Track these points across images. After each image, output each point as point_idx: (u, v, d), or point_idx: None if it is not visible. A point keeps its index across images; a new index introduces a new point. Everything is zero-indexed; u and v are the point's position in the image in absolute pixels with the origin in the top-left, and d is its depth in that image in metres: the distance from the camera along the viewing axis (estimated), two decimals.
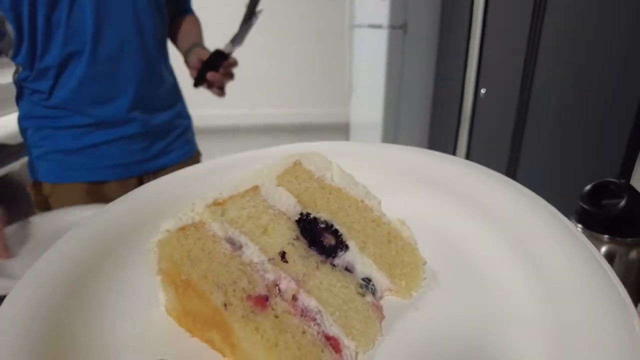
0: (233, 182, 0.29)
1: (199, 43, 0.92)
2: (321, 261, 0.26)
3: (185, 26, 0.97)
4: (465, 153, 1.63)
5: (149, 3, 0.81)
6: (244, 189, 0.28)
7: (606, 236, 0.38)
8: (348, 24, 2.57)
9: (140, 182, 0.92)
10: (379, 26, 1.97)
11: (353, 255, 0.27)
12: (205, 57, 0.83)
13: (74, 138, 0.83)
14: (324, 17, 4.06)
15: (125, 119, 0.85)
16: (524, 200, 0.31)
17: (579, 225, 0.40)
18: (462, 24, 1.58)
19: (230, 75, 0.84)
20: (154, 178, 0.92)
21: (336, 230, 0.27)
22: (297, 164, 0.31)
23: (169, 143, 0.94)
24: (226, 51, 0.80)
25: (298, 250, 0.26)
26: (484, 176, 0.36)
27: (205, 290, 0.24)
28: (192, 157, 1.01)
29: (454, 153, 1.71)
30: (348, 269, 0.26)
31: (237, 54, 0.88)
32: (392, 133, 2.11)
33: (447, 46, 1.80)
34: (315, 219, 0.27)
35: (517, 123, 1.24)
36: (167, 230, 0.25)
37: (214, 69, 0.81)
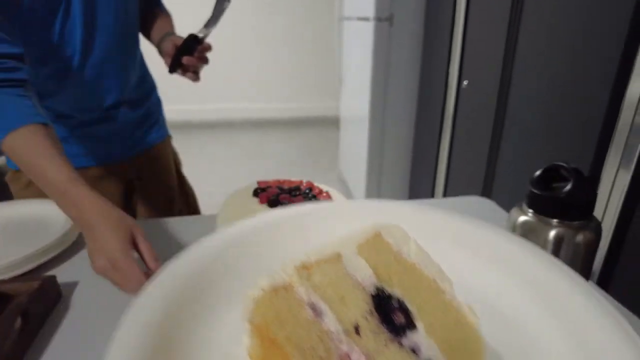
0: (319, 242, 0.30)
1: (171, 32, 0.94)
2: (390, 339, 0.27)
3: (158, 19, 0.98)
4: (449, 143, 1.69)
5: (134, 6, 0.83)
6: (328, 255, 0.30)
7: (555, 220, 0.40)
8: (337, 17, 2.60)
9: (124, 167, 0.95)
10: (367, 19, 2.01)
11: (420, 336, 0.28)
12: (179, 42, 0.84)
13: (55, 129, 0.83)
14: (315, 10, 4.05)
15: (108, 117, 0.87)
16: (593, 302, 0.31)
17: (530, 210, 0.42)
18: (446, 17, 1.63)
19: (204, 60, 0.85)
20: (135, 162, 0.96)
21: (407, 309, 0.29)
22: (377, 235, 0.32)
23: (146, 129, 0.99)
24: (200, 35, 0.81)
25: (371, 325, 0.28)
26: (547, 262, 0.35)
27: (288, 352, 0.26)
28: (164, 140, 1.05)
29: (438, 143, 1.78)
30: (414, 350, 0.28)
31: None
32: (380, 125, 2.15)
33: (432, 39, 1.84)
34: (389, 295, 0.29)
35: (498, 114, 1.30)
36: (262, 289, 0.27)
37: (189, 54, 0.81)
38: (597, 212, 0.88)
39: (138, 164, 0.97)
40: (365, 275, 0.29)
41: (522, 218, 0.42)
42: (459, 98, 1.59)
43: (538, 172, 0.42)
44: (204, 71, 0.88)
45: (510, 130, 1.27)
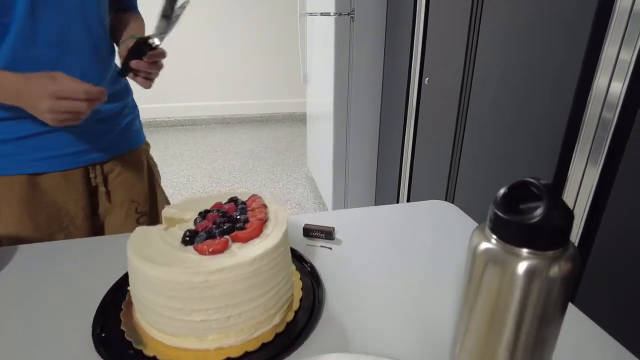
0: None
1: (135, 36, 0.87)
2: None
3: (128, 21, 0.93)
4: (412, 139, 1.67)
5: None
6: None
7: (525, 250, 0.33)
8: (300, 12, 2.55)
9: (86, 173, 0.88)
10: (328, 14, 1.97)
11: None
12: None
13: (5, 127, 0.77)
14: (280, 5, 3.99)
15: None
16: None
17: (493, 236, 0.35)
18: (407, 13, 1.59)
19: (157, 65, 0.80)
20: (101, 169, 0.88)
21: None
22: None
23: (118, 133, 0.91)
24: (153, 41, 0.77)
25: None
26: None
27: None
28: (140, 146, 0.98)
29: (402, 140, 1.75)
30: None
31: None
32: (344, 121, 2.12)
33: (394, 35, 1.82)
34: None
35: (460, 111, 1.28)
36: None
37: (139, 58, 0.77)
38: None
39: (105, 170, 0.90)
40: None
41: (485, 246, 0.35)
42: (421, 95, 1.55)
43: (503, 190, 0.35)
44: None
45: (472, 126, 1.25)
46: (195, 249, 0.46)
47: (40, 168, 0.81)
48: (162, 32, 0.77)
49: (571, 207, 0.85)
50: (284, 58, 4.17)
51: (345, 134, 2.17)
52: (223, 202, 0.56)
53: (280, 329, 0.51)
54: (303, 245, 0.69)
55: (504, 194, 0.35)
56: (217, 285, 0.45)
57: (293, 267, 0.61)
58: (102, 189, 0.90)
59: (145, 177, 0.99)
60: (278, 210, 0.55)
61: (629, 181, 0.75)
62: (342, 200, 2.34)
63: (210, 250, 0.46)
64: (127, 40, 0.82)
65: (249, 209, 0.54)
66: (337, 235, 0.73)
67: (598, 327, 0.53)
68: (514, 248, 0.33)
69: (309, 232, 0.72)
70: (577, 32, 0.83)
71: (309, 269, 0.62)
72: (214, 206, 0.55)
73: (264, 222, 0.51)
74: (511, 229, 0.33)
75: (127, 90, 0.96)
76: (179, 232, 0.50)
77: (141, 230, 0.53)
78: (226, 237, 0.48)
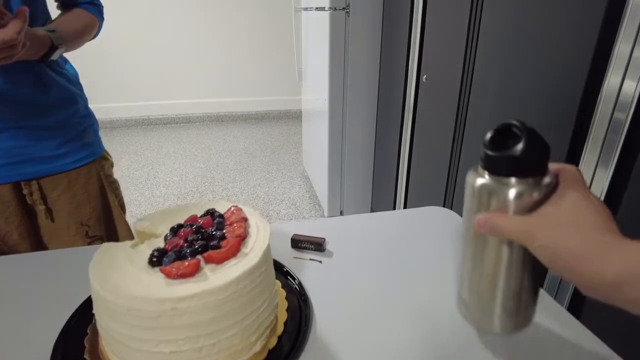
0: None
1: (52, 30, 0.75)
2: None
3: (65, 15, 0.83)
4: (409, 137, 1.62)
5: None
6: None
7: (513, 179, 0.39)
8: (294, 7, 2.50)
9: (17, 189, 0.78)
10: (323, 8, 1.91)
11: None
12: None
13: None
14: (275, 1, 3.91)
15: None
16: None
17: (486, 172, 0.40)
18: (404, 9, 1.54)
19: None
20: (38, 185, 0.79)
21: None
22: None
23: (56, 145, 0.81)
24: None
25: None
26: None
27: None
28: (92, 161, 0.87)
29: (399, 138, 1.70)
30: None
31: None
32: (340, 119, 2.06)
33: (390, 31, 1.76)
34: None
35: (459, 111, 1.23)
36: None
37: None
38: None
39: (44, 187, 0.81)
40: None
41: (480, 181, 0.41)
42: (418, 93, 1.50)
43: (490, 134, 0.41)
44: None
45: (472, 127, 1.19)
46: (162, 272, 0.41)
47: None
48: None
49: None
50: (279, 54, 4.11)
51: (341, 132, 2.11)
52: (199, 215, 0.51)
53: (262, 357, 0.46)
54: (290, 258, 0.64)
55: (491, 137, 0.41)
56: (186, 314, 0.39)
57: (278, 284, 0.56)
58: (40, 207, 0.81)
59: (97, 196, 0.88)
60: (260, 224, 0.50)
61: None
62: (338, 200, 2.29)
63: (178, 273, 0.40)
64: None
65: (227, 223, 0.49)
66: (328, 247, 0.67)
67: (605, 345, 0.48)
68: (503, 178, 0.39)
69: (298, 243, 0.66)
70: (586, 27, 0.78)
71: (296, 286, 0.57)
72: (188, 219, 0.50)
73: (242, 238, 0.46)
74: (499, 163, 0.39)
75: (74, 98, 0.85)
76: (147, 250, 0.45)
77: (107, 248, 0.47)
78: (198, 257, 0.42)
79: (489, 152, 0.40)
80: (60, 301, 0.53)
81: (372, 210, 2.25)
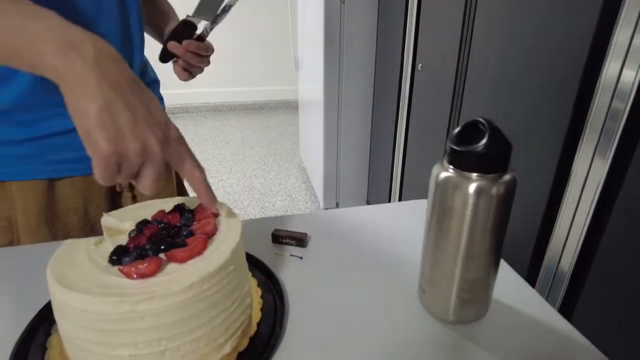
0: None
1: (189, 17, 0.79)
2: None
3: (162, 6, 0.86)
4: (405, 126, 1.59)
5: None
6: None
7: (474, 174, 0.41)
8: None
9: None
10: None
11: None
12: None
13: (19, 126, 0.66)
14: None
15: None
16: None
17: (450, 166, 0.42)
18: (400, 1, 1.51)
19: (200, 58, 0.73)
20: None
21: None
22: None
23: None
24: (196, 21, 0.71)
25: None
26: None
27: None
28: None
29: (395, 127, 1.68)
30: None
31: None
32: (335, 108, 2.03)
33: (386, 18, 1.72)
34: None
35: (454, 100, 1.20)
36: None
37: (178, 41, 0.71)
38: (568, 208, 0.79)
39: None
40: None
41: (443, 174, 0.43)
42: (414, 82, 1.46)
43: (457, 129, 0.43)
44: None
45: (467, 116, 1.16)
46: (121, 272, 0.39)
47: (62, 172, 0.72)
48: (213, 20, 0.71)
49: (575, 204, 0.77)
50: (277, 43, 4.05)
51: (337, 123, 2.08)
52: (167, 210, 0.48)
53: (231, 359, 0.44)
54: (271, 254, 0.62)
55: (458, 132, 0.42)
56: (146, 316, 0.37)
57: (254, 282, 0.53)
58: (127, 195, 0.81)
59: (173, 178, 0.89)
60: (232, 221, 0.47)
61: None
62: (334, 192, 2.27)
63: (138, 273, 0.38)
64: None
65: (197, 219, 0.46)
66: (311, 242, 0.65)
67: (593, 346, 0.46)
68: (465, 173, 0.41)
69: (279, 238, 0.64)
70: (584, 13, 0.75)
71: (273, 284, 0.54)
72: (155, 215, 0.47)
73: (210, 236, 0.43)
74: (463, 158, 0.41)
75: (156, 82, 0.87)
76: (110, 248, 0.43)
77: (69, 244, 0.45)
78: (161, 256, 0.40)
79: (454, 147, 0.42)
80: (30, 298, 0.51)
81: (368, 202, 2.23)
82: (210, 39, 0.76)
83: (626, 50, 0.68)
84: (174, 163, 0.42)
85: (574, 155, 0.79)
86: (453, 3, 1.16)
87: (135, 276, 0.38)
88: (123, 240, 0.44)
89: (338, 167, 2.20)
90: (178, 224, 0.45)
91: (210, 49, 0.74)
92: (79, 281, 0.38)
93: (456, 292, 0.47)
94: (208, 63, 0.76)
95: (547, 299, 0.87)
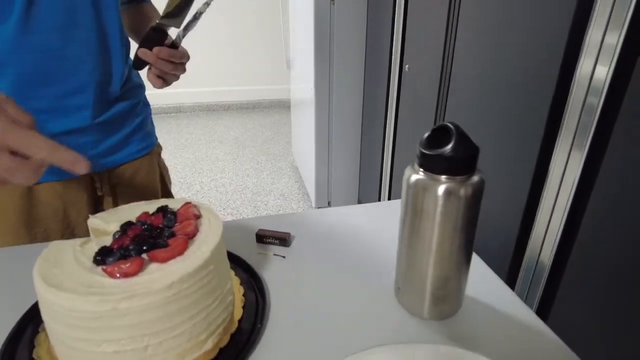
0: None
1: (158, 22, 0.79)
2: None
3: (147, 13, 0.86)
4: (393, 126, 1.62)
5: None
6: None
7: (443, 176, 0.43)
8: None
9: (92, 182, 0.79)
10: None
11: None
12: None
13: None
14: None
15: (73, 106, 0.71)
16: None
17: (420, 169, 0.44)
18: (388, 2, 1.52)
19: (174, 65, 0.71)
20: (108, 177, 0.79)
21: None
22: None
23: (125, 136, 0.81)
24: (166, 27, 0.70)
25: None
26: None
27: None
28: (150, 152, 0.88)
29: (384, 127, 1.70)
30: None
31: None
32: (326, 108, 2.06)
33: (375, 20, 1.74)
34: None
35: (439, 99, 1.23)
36: None
37: (149, 48, 0.69)
38: (549, 197, 0.81)
39: (112, 178, 0.81)
40: None
41: (414, 177, 0.45)
42: (401, 82, 1.48)
43: (427, 134, 0.45)
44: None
45: (452, 114, 1.19)
46: (105, 272, 0.40)
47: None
48: (185, 27, 0.70)
49: (555, 194, 0.80)
50: (270, 43, 4.06)
51: (328, 122, 2.10)
52: (151, 212, 0.50)
53: (213, 355, 0.45)
54: (255, 254, 0.63)
55: (428, 136, 0.45)
56: (128, 314, 0.39)
57: (237, 281, 0.55)
58: (108, 199, 0.82)
59: (157, 184, 0.90)
60: (213, 222, 0.49)
61: (616, 165, 0.70)
62: (326, 191, 2.29)
63: (120, 272, 0.40)
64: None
65: (179, 220, 0.48)
66: (294, 242, 0.67)
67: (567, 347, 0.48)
68: (435, 175, 0.43)
69: (263, 238, 0.66)
70: (559, 15, 0.77)
71: (255, 283, 0.56)
72: (139, 217, 0.49)
73: (191, 237, 0.45)
74: (432, 161, 0.43)
75: (141, 87, 0.86)
76: (95, 249, 0.44)
77: (56, 245, 0.46)
78: (143, 256, 0.42)
79: (423, 151, 0.44)
80: (17, 298, 0.53)
81: (360, 201, 2.25)
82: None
83: (598, 48, 0.70)
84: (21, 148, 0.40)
85: (552, 151, 0.81)
86: (437, 7, 1.18)
87: (118, 275, 0.40)
88: (108, 241, 0.46)
89: (329, 166, 2.22)
90: (160, 225, 0.47)
91: (185, 56, 0.72)
92: (65, 281, 0.40)
93: (429, 289, 0.49)
94: (184, 70, 0.75)
95: (525, 299, 0.89)
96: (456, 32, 1.11)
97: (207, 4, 0.68)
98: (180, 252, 0.43)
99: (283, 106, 4.40)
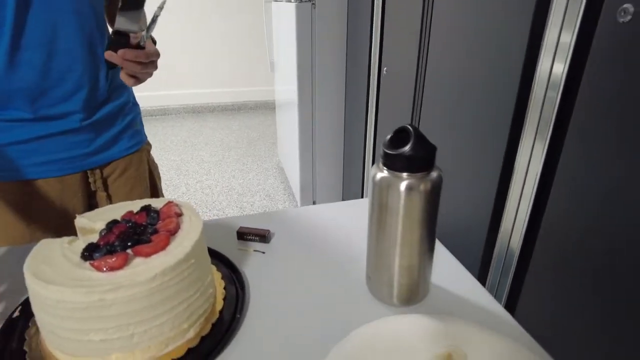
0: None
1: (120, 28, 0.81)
2: None
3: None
4: (374, 127, 1.67)
5: None
6: None
7: (404, 173, 0.47)
8: None
9: (85, 177, 0.83)
10: (290, 0, 1.94)
11: None
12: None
13: (0, 132, 0.73)
14: None
15: (64, 112, 0.76)
16: None
17: (384, 167, 0.48)
18: (366, 4, 1.57)
19: (142, 65, 0.72)
20: (101, 173, 0.84)
21: None
22: (449, 356, 0.45)
23: (115, 134, 0.86)
24: (122, 29, 0.70)
25: None
26: None
27: None
28: (140, 149, 0.93)
29: (365, 128, 1.75)
30: None
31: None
32: (309, 109, 2.10)
33: (355, 25, 1.79)
34: None
35: (415, 99, 1.28)
36: None
37: (114, 50, 0.70)
38: (516, 188, 0.86)
39: (105, 173, 0.86)
40: None
41: (379, 175, 0.49)
42: (380, 84, 1.53)
43: (389, 136, 0.49)
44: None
45: (427, 113, 1.23)
46: (92, 266, 0.43)
47: (36, 174, 0.77)
48: (141, 29, 0.72)
49: (522, 180, 0.85)
50: (255, 45, 4.08)
51: (311, 123, 2.14)
52: (135, 211, 0.53)
53: (195, 343, 0.49)
54: (235, 250, 0.67)
55: (390, 138, 0.49)
56: (114, 304, 0.42)
57: (218, 275, 0.59)
58: (101, 194, 0.86)
59: (146, 179, 0.95)
60: (193, 219, 0.52)
61: (575, 153, 0.75)
62: (310, 190, 2.32)
63: (107, 267, 0.43)
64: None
65: (162, 218, 0.51)
66: (274, 238, 0.71)
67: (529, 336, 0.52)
68: (397, 173, 0.48)
69: (243, 235, 0.69)
70: (520, 18, 0.83)
71: (236, 276, 0.60)
72: (124, 216, 0.52)
73: (172, 233, 0.48)
74: (394, 160, 0.48)
75: (123, 87, 0.89)
76: (83, 245, 0.47)
77: (45, 243, 0.49)
78: (128, 251, 0.45)
79: (386, 151, 0.48)
80: (7, 295, 0.55)
81: (344, 200, 2.29)
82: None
83: (555, 46, 0.75)
84: None
85: (518, 144, 0.86)
86: (412, 14, 1.22)
87: (105, 269, 0.43)
88: (95, 238, 0.49)
89: (314, 167, 2.25)
90: (144, 223, 0.50)
91: (152, 55, 0.73)
92: (54, 275, 0.43)
93: (397, 278, 0.53)
94: (155, 67, 0.76)
95: (496, 292, 0.94)
96: (429, 36, 1.16)
97: (160, 8, 0.71)
98: (163, 247, 0.46)
99: (268, 107, 4.43)
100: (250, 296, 0.57)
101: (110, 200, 0.88)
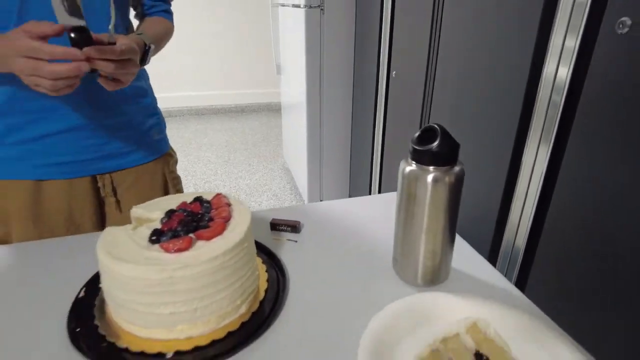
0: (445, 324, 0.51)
1: (140, 33, 0.81)
2: None
3: (146, 22, 0.90)
4: (382, 129, 1.72)
5: None
6: (454, 333, 0.51)
7: (431, 167, 0.53)
8: (272, 3, 2.58)
9: (94, 183, 0.84)
10: (298, 5, 2.00)
11: None
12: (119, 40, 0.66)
13: (8, 130, 0.74)
14: None
15: (71, 108, 0.76)
16: None
17: (413, 162, 0.55)
18: (375, 9, 1.63)
19: (121, 63, 0.65)
20: (111, 180, 0.85)
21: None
22: (475, 323, 0.52)
23: (129, 142, 0.85)
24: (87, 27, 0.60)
25: None
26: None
27: None
28: (159, 158, 0.91)
29: (373, 130, 1.81)
30: None
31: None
32: (317, 112, 2.16)
33: (363, 28, 1.85)
34: (482, 354, 0.48)
35: (424, 102, 1.34)
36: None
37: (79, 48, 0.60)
38: (522, 185, 0.92)
39: (115, 180, 0.86)
40: (470, 344, 0.50)
41: (408, 168, 0.56)
42: (389, 88, 1.59)
43: (417, 133, 0.55)
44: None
45: (436, 116, 1.30)
46: (161, 247, 0.50)
47: (45, 175, 0.78)
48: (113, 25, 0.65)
49: (527, 183, 0.91)
50: (260, 48, 4.15)
51: (319, 125, 2.20)
52: (188, 202, 0.59)
53: (246, 317, 0.55)
54: (270, 239, 0.73)
55: (418, 135, 0.55)
56: (182, 281, 0.48)
57: (260, 260, 0.65)
58: (110, 199, 0.86)
59: (161, 191, 0.93)
60: (242, 209, 0.58)
61: (578, 153, 0.81)
62: (318, 190, 2.38)
63: (175, 248, 0.49)
64: (130, 35, 0.76)
65: (213, 207, 0.57)
66: (303, 229, 0.77)
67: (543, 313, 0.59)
68: (424, 166, 0.54)
69: (276, 226, 0.75)
70: (528, 23, 0.88)
71: (274, 261, 0.66)
72: (179, 206, 0.58)
73: (227, 220, 0.55)
74: (422, 155, 0.54)
75: (145, 91, 0.89)
76: (146, 231, 0.53)
77: (110, 231, 0.55)
78: (191, 235, 0.51)
79: (415, 147, 0.54)
80: (69, 280, 0.61)
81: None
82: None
83: (560, 51, 0.81)
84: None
85: (524, 144, 0.92)
86: (422, 17, 1.29)
87: (173, 250, 0.49)
88: (155, 226, 0.55)
89: (321, 166, 2.32)
90: (200, 212, 0.56)
91: (125, 52, 0.64)
92: (127, 256, 0.49)
93: (422, 260, 0.60)
94: (136, 66, 0.69)
95: (505, 275, 1.01)
96: (439, 40, 1.22)
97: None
98: (220, 232, 0.52)
99: (271, 109, 4.49)
100: (289, 279, 0.63)
101: (119, 206, 0.88)
